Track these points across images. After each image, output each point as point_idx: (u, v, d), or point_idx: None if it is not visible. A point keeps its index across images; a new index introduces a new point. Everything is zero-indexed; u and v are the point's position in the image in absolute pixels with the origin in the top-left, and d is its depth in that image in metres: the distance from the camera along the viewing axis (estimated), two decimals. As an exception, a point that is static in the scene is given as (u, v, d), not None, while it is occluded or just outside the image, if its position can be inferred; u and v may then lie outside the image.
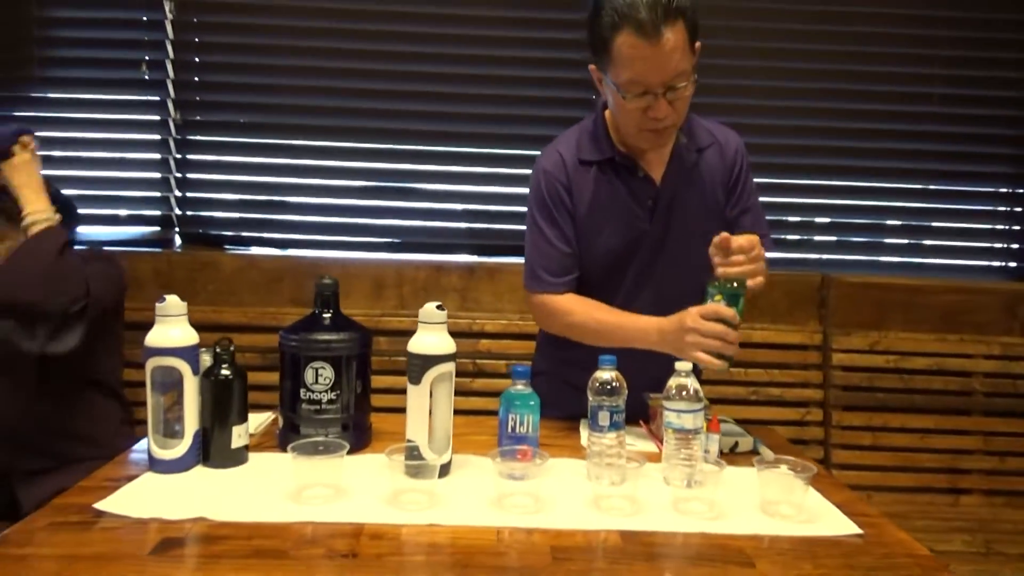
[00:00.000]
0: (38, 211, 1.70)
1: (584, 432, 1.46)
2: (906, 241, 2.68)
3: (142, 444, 1.37)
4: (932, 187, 2.65)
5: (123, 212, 2.55)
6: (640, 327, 1.42)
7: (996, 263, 2.67)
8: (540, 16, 2.52)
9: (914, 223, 2.66)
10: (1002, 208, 2.66)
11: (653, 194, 1.50)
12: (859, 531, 1.09)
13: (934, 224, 2.66)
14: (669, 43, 1.28)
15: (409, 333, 1.24)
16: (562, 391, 1.54)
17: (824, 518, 1.14)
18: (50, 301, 1.64)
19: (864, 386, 2.42)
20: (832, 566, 0.99)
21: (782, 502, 1.15)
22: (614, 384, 1.26)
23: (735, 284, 1.31)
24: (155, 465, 1.24)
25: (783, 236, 2.59)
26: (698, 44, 1.35)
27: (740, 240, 1.32)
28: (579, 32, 2.48)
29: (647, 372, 1.35)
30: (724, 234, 1.33)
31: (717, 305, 1.31)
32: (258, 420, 1.51)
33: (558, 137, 1.57)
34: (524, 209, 2.49)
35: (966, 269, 2.66)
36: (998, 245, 2.67)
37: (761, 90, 2.56)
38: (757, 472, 1.17)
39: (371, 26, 2.49)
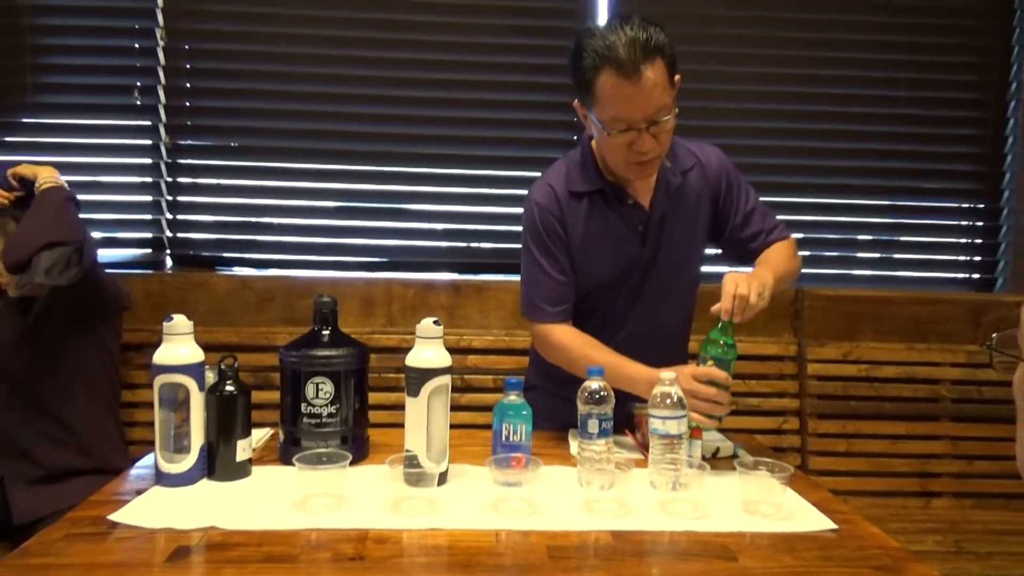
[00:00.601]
0: (47, 176, 1.95)
1: (573, 442, 1.52)
2: (876, 255, 2.79)
3: (146, 460, 1.42)
4: (900, 203, 2.76)
5: (115, 234, 2.59)
6: (631, 375, 1.45)
7: (960, 275, 2.78)
8: (522, 41, 2.61)
9: (884, 238, 2.77)
10: (965, 223, 2.78)
11: (643, 219, 1.56)
12: (834, 526, 1.16)
13: (902, 239, 2.77)
14: (649, 81, 1.34)
15: (399, 350, 1.30)
16: (554, 404, 1.61)
17: (801, 515, 1.21)
18: (59, 235, 1.86)
19: (838, 395, 2.51)
20: (809, 558, 1.06)
21: (762, 501, 1.22)
22: (602, 393, 1.33)
23: (726, 348, 1.37)
24: (162, 479, 1.28)
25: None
26: (678, 77, 1.41)
27: (725, 304, 1.35)
28: (560, 57, 2.57)
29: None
30: (712, 308, 1.37)
31: (711, 368, 1.36)
32: (257, 436, 1.56)
33: (547, 170, 1.62)
34: (508, 228, 2.62)
35: (932, 281, 2.77)
36: (962, 258, 2.79)
37: (735, 112, 2.67)
38: (738, 474, 1.24)
39: (358, 52, 2.56)
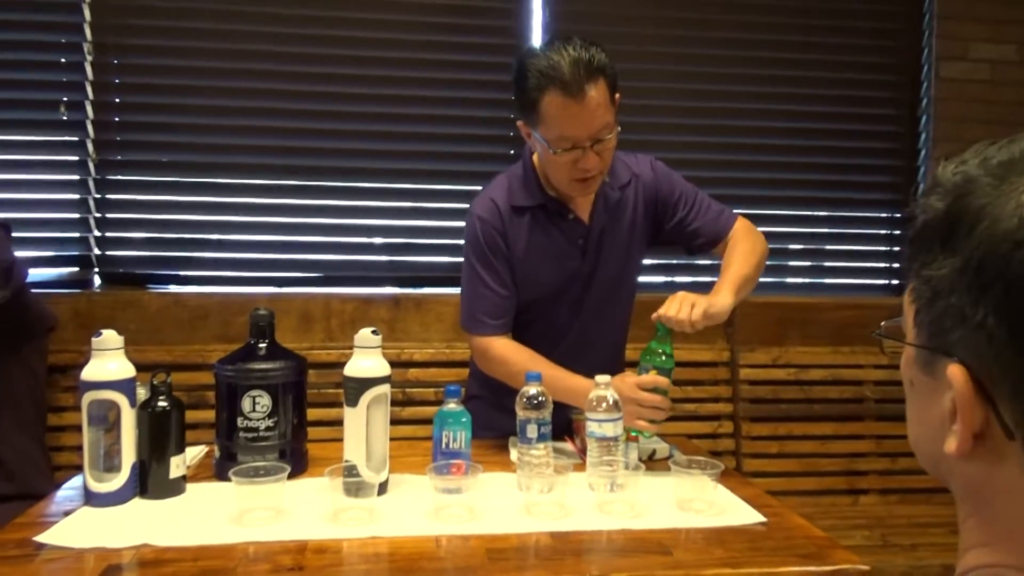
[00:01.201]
0: None
1: (513, 449, 1.54)
2: (805, 263, 2.90)
3: (73, 482, 1.38)
4: (825, 214, 2.89)
5: (41, 253, 2.50)
6: (572, 387, 1.47)
7: (880, 281, 2.92)
8: (459, 58, 2.64)
9: (811, 247, 2.89)
10: (883, 231, 2.92)
11: (583, 234, 1.59)
12: (763, 519, 1.21)
13: (828, 247, 2.90)
14: (593, 100, 1.37)
15: (338, 365, 1.29)
16: (494, 414, 1.63)
17: (732, 510, 1.25)
18: None
19: (769, 398, 2.59)
20: (740, 550, 1.10)
21: (695, 499, 1.26)
22: (540, 399, 1.35)
23: (665, 357, 1.41)
24: (92, 499, 1.24)
25: (693, 261, 2.76)
26: (618, 96, 1.45)
27: (666, 310, 1.40)
28: (496, 73, 2.62)
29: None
30: (653, 316, 1.42)
31: (656, 377, 1.40)
32: (191, 454, 1.52)
33: (489, 185, 1.64)
34: (448, 242, 2.63)
35: (856, 287, 2.90)
36: (881, 265, 2.93)
37: (667, 127, 2.74)
38: (672, 473, 1.27)
39: (293, 67, 2.55)
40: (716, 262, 1.65)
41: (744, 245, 1.62)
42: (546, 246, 1.58)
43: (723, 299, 1.44)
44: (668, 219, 1.65)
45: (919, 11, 2.84)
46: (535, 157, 1.58)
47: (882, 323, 0.57)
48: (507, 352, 1.57)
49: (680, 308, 1.39)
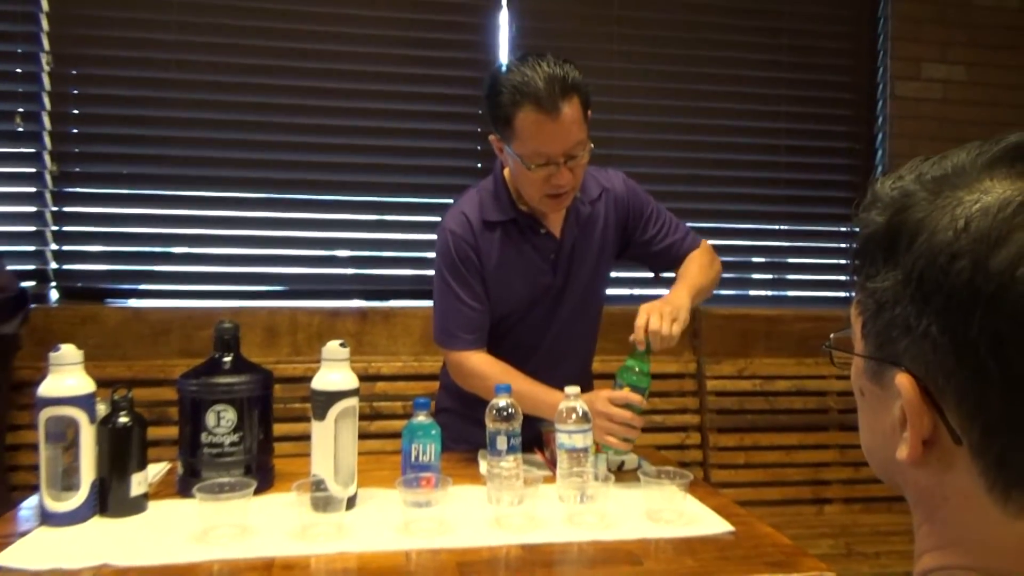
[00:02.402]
0: None
1: (483, 462, 1.53)
2: (768, 276, 2.95)
3: (29, 501, 1.33)
4: (788, 228, 2.94)
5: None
6: (548, 402, 1.46)
7: (841, 294, 2.98)
8: (427, 72, 2.64)
9: (773, 260, 2.94)
10: (842, 245, 2.98)
11: (554, 248, 1.59)
12: (732, 529, 1.22)
13: (789, 261, 2.95)
14: (568, 116, 1.38)
15: (305, 379, 1.28)
16: (465, 427, 1.62)
17: (702, 520, 1.26)
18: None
19: (735, 409, 2.62)
20: (709, 559, 1.11)
21: (664, 509, 1.26)
22: (510, 410, 1.35)
23: (640, 375, 1.41)
24: (49, 519, 1.20)
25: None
26: (589, 113, 1.46)
27: (638, 335, 1.41)
28: (466, 87, 2.63)
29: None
30: (630, 338, 1.42)
31: (627, 393, 1.40)
32: (153, 471, 1.49)
33: (460, 199, 1.63)
34: (414, 255, 2.62)
35: (817, 300, 2.95)
36: (842, 277, 2.99)
37: (633, 142, 2.78)
38: (641, 484, 1.28)
39: (259, 79, 2.53)
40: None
41: (703, 259, 1.66)
42: (517, 261, 1.58)
43: (686, 302, 1.47)
44: (638, 235, 1.67)
45: (873, 32, 2.92)
46: (506, 172, 1.58)
47: (831, 335, 0.59)
48: (483, 366, 1.55)
49: (662, 322, 1.39)
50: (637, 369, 1.41)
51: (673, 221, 1.71)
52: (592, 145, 1.46)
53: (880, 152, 2.95)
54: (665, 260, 1.69)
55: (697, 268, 1.63)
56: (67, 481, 1.21)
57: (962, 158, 0.48)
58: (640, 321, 1.40)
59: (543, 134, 1.39)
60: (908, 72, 2.90)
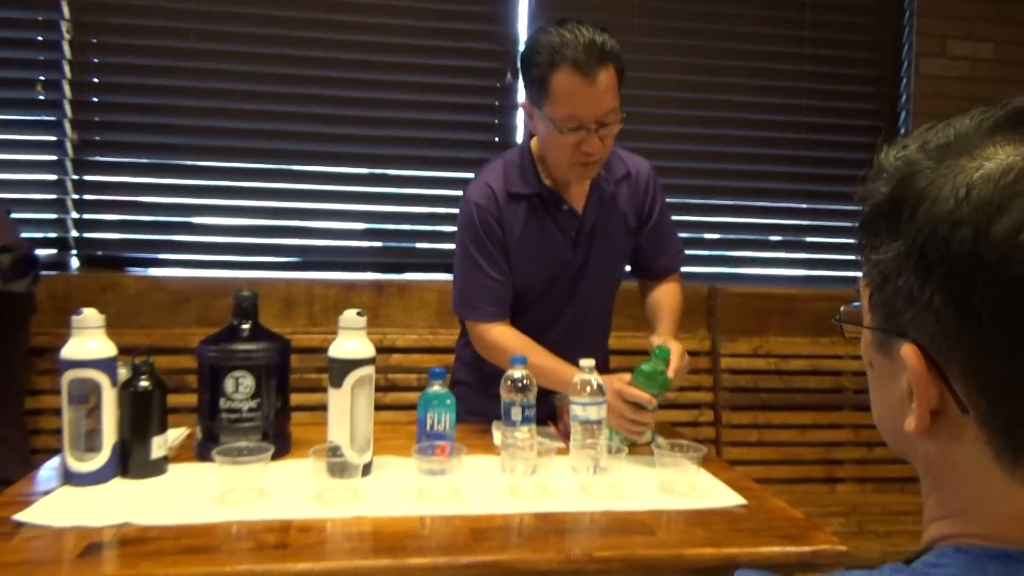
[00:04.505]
0: None
1: (496, 433, 1.54)
2: (785, 255, 2.93)
3: (51, 462, 1.36)
4: (805, 206, 2.91)
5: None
6: (568, 379, 1.44)
7: (860, 273, 2.95)
8: (442, 43, 2.63)
9: (791, 239, 2.92)
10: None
11: (576, 225, 1.59)
12: (744, 502, 1.22)
13: (807, 239, 2.93)
14: (603, 82, 1.38)
15: (320, 350, 1.29)
16: (480, 399, 1.63)
17: (714, 493, 1.26)
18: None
19: (749, 387, 2.62)
20: (720, 531, 1.11)
21: (677, 482, 1.27)
22: (525, 381, 1.36)
23: (657, 378, 1.38)
24: (71, 479, 1.23)
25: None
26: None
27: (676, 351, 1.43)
28: (483, 59, 2.61)
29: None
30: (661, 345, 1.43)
31: (638, 392, 1.37)
32: (172, 436, 1.51)
33: (484, 169, 1.62)
34: (431, 228, 2.63)
35: (834, 280, 2.93)
36: (861, 257, 2.96)
37: (652, 116, 2.75)
38: (655, 457, 1.29)
39: (278, 49, 2.53)
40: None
41: (679, 297, 1.72)
42: (539, 236, 1.57)
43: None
44: (647, 229, 1.67)
45: (898, 7, 2.87)
46: (534, 143, 1.57)
47: (840, 308, 0.58)
48: (506, 339, 1.55)
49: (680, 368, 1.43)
50: (655, 373, 1.38)
51: (674, 235, 1.73)
52: (624, 115, 1.45)
53: (903, 131, 2.90)
54: (646, 267, 1.72)
55: (675, 306, 1.69)
56: (89, 442, 1.24)
57: (965, 124, 0.48)
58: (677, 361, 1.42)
59: (577, 96, 1.39)
60: (933, 49, 2.84)
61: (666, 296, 1.70)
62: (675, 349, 1.43)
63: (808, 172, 2.89)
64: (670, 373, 1.39)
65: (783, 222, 2.91)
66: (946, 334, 0.45)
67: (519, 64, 1.48)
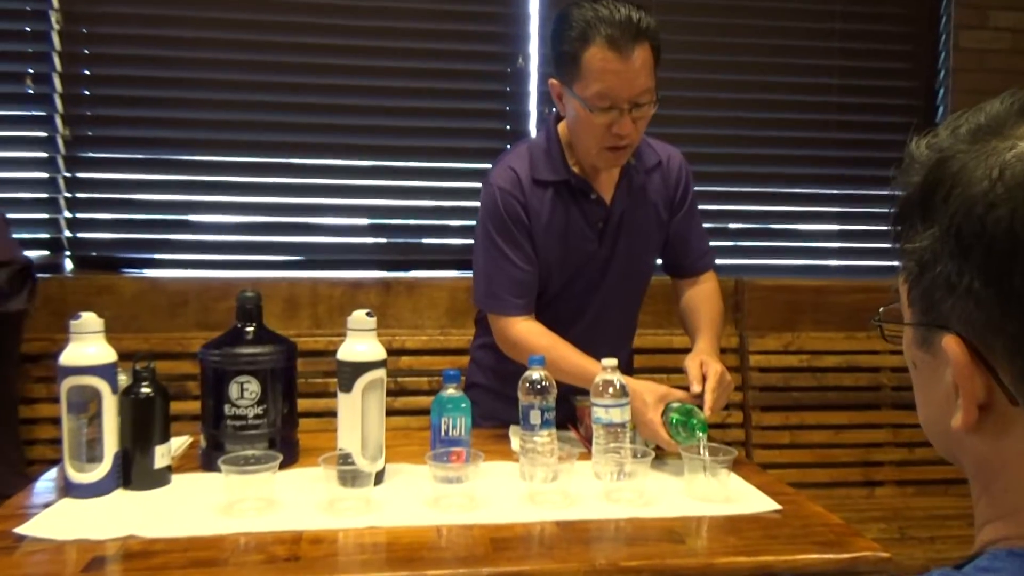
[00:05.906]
0: None
1: (514, 438, 1.54)
2: (814, 244, 2.92)
3: (50, 474, 1.38)
4: (837, 192, 2.90)
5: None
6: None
7: (896, 263, 2.93)
8: (451, 27, 2.63)
9: (822, 228, 2.90)
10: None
11: (603, 216, 1.58)
12: (778, 507, 1.23)
13: (838, 227, 2.91)
14: (638, 60, 1.38)
15: (326, 353, 1.30)
16: (497, 403, 1.63)
17: (746, 498, 1.27)
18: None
19: (780, 386, 2.62)
20: (754, 538, 1.12)
21: (707, 487, 1.27)
22: (544, 383, 1.36)
23: (696, 423, 1.35)
24: (72, 490, 1.24)
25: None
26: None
27: (711, 382, 1.42)
28: (492, 45, 2.61)
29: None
30: (703, 371, 1.44)
31: (669, 442, 1.35)
32: (175, 444, 1.53)
33: (507, 154, 1.61)
34: (441, 223, 2.63)
35: (869, 270, 2.92)
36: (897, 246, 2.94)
37: (684, 101, 2.74)
38: (683, 460, 1.29)
39: (274, 38, 2.54)
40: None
41: (719, 304, 1.69)
42: (564, 226, 1.56)
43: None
44: (677, 224, 1.67)
45: (937, -23, 2.85)
46: (562, 126, 1.57)
47: (880, 308, 0.59)
48: (531, 336, 1.53)
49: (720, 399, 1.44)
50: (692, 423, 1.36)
51: (702, 228, 1.72)
52: (659, 98, 1.45)
53: (941, 109, 2.88)
54: (682, 263, 1.71)
55: (716, 313, 1.66)
56: (90, 452, 1.25)
57: (996, 107, 0.49)
58: (713, 382, 1.42)
59: (610, 73, 1.38)
60: (973, 20, 2.81)
61: (705, 303, 1.67)
62: (713, 370, 1.43)
63: (839, 156, 2.88)
64: (706, 411, 1.38)
65: (813, 209, 2.89)
66: (988, 320, 0.45)
67: (549, 39, 1.47)
